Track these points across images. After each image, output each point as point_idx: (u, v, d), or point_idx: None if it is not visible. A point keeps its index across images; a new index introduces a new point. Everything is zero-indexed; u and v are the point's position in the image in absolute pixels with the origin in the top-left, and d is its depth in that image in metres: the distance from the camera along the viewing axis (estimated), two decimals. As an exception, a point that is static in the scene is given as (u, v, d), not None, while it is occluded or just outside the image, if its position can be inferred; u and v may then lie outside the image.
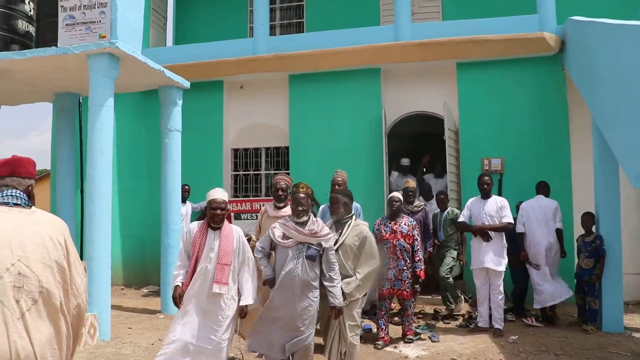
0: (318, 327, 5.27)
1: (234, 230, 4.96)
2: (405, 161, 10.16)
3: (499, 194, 8.92)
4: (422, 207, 8.06)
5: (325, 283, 4.92)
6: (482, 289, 7.38)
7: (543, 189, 8.12)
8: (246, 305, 4.95)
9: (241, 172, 10.85)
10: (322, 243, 4.91)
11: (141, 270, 10.76)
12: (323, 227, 5.01)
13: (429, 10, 11.25)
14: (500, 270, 7.26)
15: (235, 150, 10.97)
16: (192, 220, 8.25)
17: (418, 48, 9.60)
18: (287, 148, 10.51)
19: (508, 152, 9.45)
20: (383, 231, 6.69)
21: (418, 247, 6.69)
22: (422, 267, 6.71)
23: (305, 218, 4.96)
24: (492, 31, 9.49)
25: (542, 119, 9.42)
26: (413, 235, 6.69)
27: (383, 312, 6.77)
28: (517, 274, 8.26)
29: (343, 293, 5.00)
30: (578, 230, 8.01)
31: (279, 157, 10.75)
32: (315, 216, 5.45)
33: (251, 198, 10.53)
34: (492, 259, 7.23)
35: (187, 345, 4.66)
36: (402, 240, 6.62)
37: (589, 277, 7.41)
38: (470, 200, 7.63)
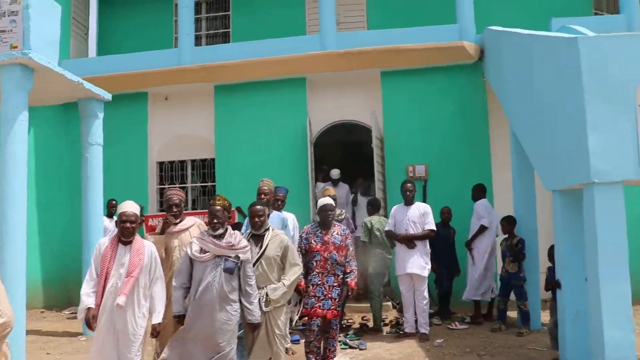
0: None
1: (145, 246, 4.82)
2: (335, 173, 10.02)
3: (424, 201, 9.05)
4: (344, 215, 7.96)
5: (242, 298, 4.85)
6: (407, 294, 7.46)
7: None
8: (159, 324, 4.82)
9: (167, 186, 10.59)
10: (240, 255, 4.84)
11: (63, 290, 10.30)
12: (240, 240, 4.95)
13: (354, 20, 11.35)
14: (424, 275, 7.37)
15: (161, 164, 10.73)
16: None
17: (343, 57, 9.68)
18: (213, 160, 10.35)
19: (432, 159, 9.65)
20: (313, 241, 5.88)
21: (350, 258, 6.00)
22: (354, 277, 5.97)
23: (221, 230, 4.88)
24: (414, 40, 9.66)
25: (464, 126, 9.67)
26: (347, 246, 5.95)
27: (314, 333, 5.80)
28: (441, 278, 8.42)
29: (268, 299, 5.04)
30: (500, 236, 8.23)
31: (205, 169, 10.58)
32: (239, 228, 5.41)
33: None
34: (416, 264, 7.33)
35: None
36: (334, 252, 5.81)
37: (515, 281, 7.59)
38: (394, 207, 7.72)
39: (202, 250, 4.82)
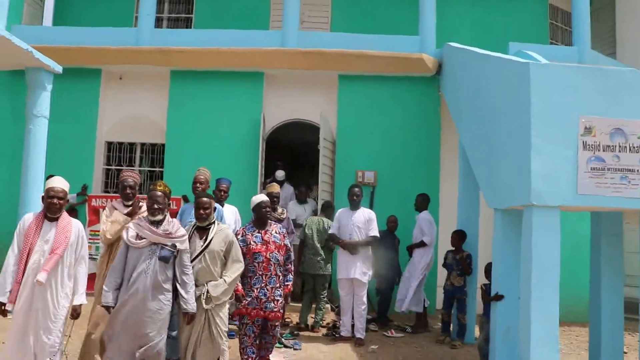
0: None
1: (72, 223, 4.72)
2: (279, 175, 10.00)
3: (370, 207, 9.15)
4: (285, 215, 7.81)
5: (178, 287, 4.79)
6: (346, 298, 7.52)
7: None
8: (80, 305, 4.73)
9: (114, 167, 10.37)
10: (177, 244, 4.79)
11: (-6, 264, 9.93)
12: (179, 228, 4.90)
13: (318, 20, 11.38)
14: (365, 281, 7.46)
15: (109, 144, 10.48)
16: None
17: (303, 56, 9.68)
18: (163, 145, 10.17)
19: (382, 166, 9.76)
20: (252, 242, 5.62)
21: (292, 258, 6.04)
22: (292, 279, 5.98)
23: (160, 217, 4.82)
24: (375, 47, 9.76)
25: (416, 137, 9.82)
26: (286, 245, 5.84)
27: (251, 338, 5.62)
28: (382, 285, 8.52)
29: (209, 296, 4.96)
30: (443, 247, 8.38)
31: (154, 154, 10.40)
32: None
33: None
34: (358, 270, 7.41)
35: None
36: (276, 252, 5.65)
37: (459, 295, 7.72)
38: (340, 210, 7.77)
39: (138, 237, 4.75)
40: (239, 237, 5.67)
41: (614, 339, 6.23)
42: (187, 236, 4.99)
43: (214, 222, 5.25)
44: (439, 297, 8.73)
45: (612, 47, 12.34)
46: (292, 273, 6.00)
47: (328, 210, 8.44)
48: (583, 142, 5.33)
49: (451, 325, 7.88)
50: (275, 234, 5.77)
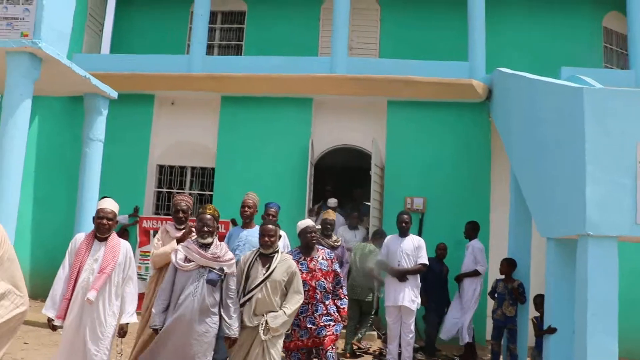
0: None
1: (121, 244, 4.82)
2: (332, 202, 9.87)
3: (419, 234, 9.04)
4: (340, 242, 7.72)
5: (222, 311, 4.81)
6: (393, 326, 7.39)
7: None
8: (127, 324, 4.80)
9: (164, 189, 10.59)
10: (225, 268, 4.82)
11: (50, 281, 10.09)
12: (227, 252, 4.94)
13: (367, 47, 11.43)
14: (413, 309, 7.32)
15: (161, 167, 10.72)
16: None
17: (352, 82, 9.72)
18: (213, 169, 10.35)
19: (431, 192, 9.65)
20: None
21: (343, 283, 5.78)
22: (346, 304, 5.75)
23: (209, 240, 4.88)
24: (424, 73, 9.72)
25: (465, 164, 9.69)
26: (334, 271, 5.65)
27: None
28: (430, 314, 8.34)
29: (268, 327, 4.82)
30: (492, 276, 8.19)
31: (204, 178, 10.57)
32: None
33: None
34: (406, 297, 7.27)
35: None
36: (322, 280, 5.50)
37: (512, 324, 7.46)
38: (389, 237, 7.69)
39: (186, 259, 4.81)
40: None
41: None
42: (234, 260, 5.02)
43: (277, 251, 5.13)
44: (487, 326, 8.48)
45: (670, 71, 11.92)
46: (346, 297, 5.77)
47: (379, 237, 8.33)
48: (642, 169, 5.15)
49: (501, 356, 7.64)
50: (322, 261, 5.59)
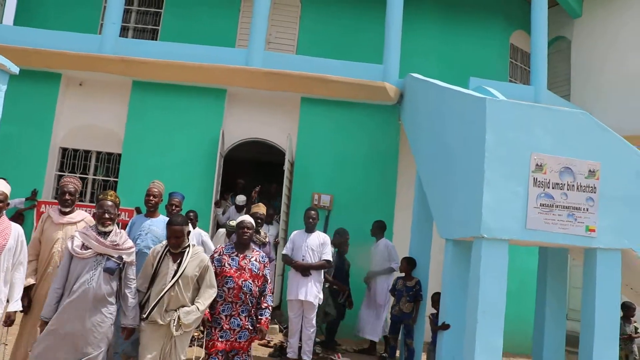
0: None
1: (12, 227, 4.59)
2: (240, 199, 9.66)
3: (325, 230, 9.15)
4: (268, 239, 7.62)
5: (121, 301, 4.70)
6: (295, 320, 7.45)
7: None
8: (14, 312, 4.59)
9: (67, 174, 10.12)
10: (124, 257, 4.70)
11: None
12: (126, 240, 4.81)
13: (285, 43, 11.47)
14: (316, 304, 7.42)
15: (64, 150, 10.25)
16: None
17: (266, 76, 9.70)
18: (119, 155, 10.01)
19: (338, 190, 9.80)
20: (227, 264, 5.27)
21: (268, 291, 5.42)
22: (268, 315, 5.39)
23: (111, 227, 4.73)
24: (339, 73, 9.86)
25: (374, 164, 9.92)
26: (264, 276, 5.39)
27: None
28: (332, 309, 8.47)
29: (180, 323, 4.70)
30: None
31: (110, 164, 10.21)
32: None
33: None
34: (310, 292, 7.36)
35: None
36: (249, 281, 5.25)
37: (408, 320, 7.72)
38: (294, 232, 7.75)
39: (83, 246, 4.64)
40: (216, 255, 5.40)
41: (554, 372, 6.37)
42: (134, 249, 4.90)
43: (188, 246, 4.95)
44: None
45: (567, 89, 12.79)
46: (269, 308, 5.40)
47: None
48: (534, 178, 5.50)
49: (397, 350, 7.91)
50: (254, 262, 5.36)
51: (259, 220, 7.16)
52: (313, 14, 11.59)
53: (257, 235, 7.05)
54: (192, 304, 4.83)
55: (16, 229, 4.68)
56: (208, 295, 4.90)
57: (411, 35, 10.97)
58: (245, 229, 5.42)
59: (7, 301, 4.62)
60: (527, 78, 12.14)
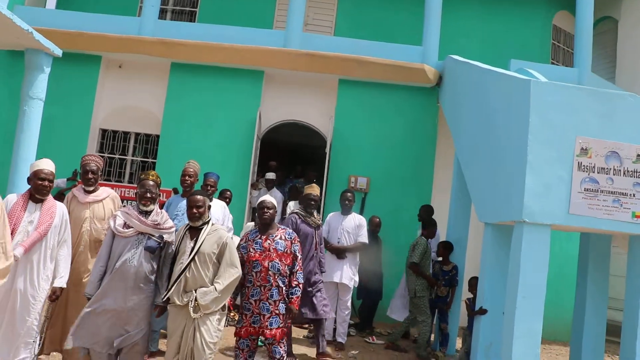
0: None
1: (57, 206, 4.70)
2: (269, 175, 9.58)
3: (361, 213, 9.14)
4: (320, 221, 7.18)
5: (158, 279, 4.76)
6: (330, 302, 7.48)
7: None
8: (60, 288, 4.69)
9: (106, 155, 10.30)
10: (164, 236, 4.75)
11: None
12: (167, 220, 4.88)
13: (322, 24, 11.39)
14: (351, 286, 7.43)
15: (104, 131, 10.41)
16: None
17: (304, 58, 9.66)
18: (157, 136, 10.13)
19: (375, 173, 9.75)
20: (251, 249, 5.09)
21: (298, 268, 5.21)
22: (299, 294, 5.19)
23: (152, 207, 4.80)
24: (377, 54, 9.76)
25: (411, 147, 9.82)
26: (293, 253, 5.18)
27: (245, 353, 5.12)
28: (368, 292, 8.44)
29: (197, 304, 4.52)
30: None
31: (148, 145, 10.33)
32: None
33: (113, 182, 10.04)
34: (345, 274, 7.38)
35: None
36: (277, 261, 5.05)
37: (443, 305, 7.68)
38: (330, 215, 7.75)
39: (125, 225, 4.71)
40: (242, 242, 5.25)
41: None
42: (174, 229, 4.95)
43: (207, 222, 4.82)
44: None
45: (611, 72, 12.42)
46: (300, 286, 5.21)
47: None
48: (578, 162, 5.35)
49: (432, 335, 7.87)
50: (279, 240, 5.15)
51: (312, 202, 6.75)
52: (351, -5, 11.46)
53: (312, 218, 6.68)
54: (212, 282, 4.65)
55: (61, 207, 4.81)
56: (229, 274, 4.65)
57: (451, 17, 10.80)
58: (265, 209, 5.22)
59: (54, 278, 4.74)
60: (570, 60, 11.81)
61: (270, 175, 9.58)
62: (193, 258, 4.61)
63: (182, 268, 4.62)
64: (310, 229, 6.58)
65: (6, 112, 9.93)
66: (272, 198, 5.44)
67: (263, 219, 5.23)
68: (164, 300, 4.68)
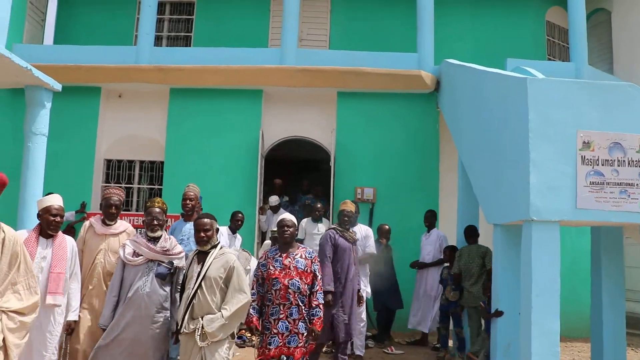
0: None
1: (67, 239, 4.74)
2: (273, 200, 9.36)
3: (370, 223, 9.13)
4: (357, 237, 6.98)
5: (171, 305, 4.76)
6: (345, 315, 7.43)
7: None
8: (74, 321, 4.72)
9: (113, 184, 10.35)
10: (174, 262, 4.76)
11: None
12: (176, 245, 4.89)
13: (317, 38, 11.46)
14: (363, 297, 7.38)
15: (108, 161, 10.48)
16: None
17: (301, 74, 9.71)
18: (162, 163, 10.18)
19: (381, 182, 9.75)
20: (271, 267, 5.00)
21: (318, 288, 5.10)
22: (320, 314, 5.04)
23: (159, 233, 4.83)
24: (373, 64, 9.81)
25: (415, 153, 9.83)
26: (312, 272, 5.08)
27: None
28: (385, 301, 8.38)
29: (204, 332, 4.31)
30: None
31: (154, 172, 10.39)
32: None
33: (121, 212, 10.06)
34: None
35: None
36: (297, 279, 4.95)
37: (454, 309, 7.63)
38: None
39: (135, 254, 4.73)
40: (261, 260, 5.15)
41: (616, 355, 6.19)
42: (183, 254, 4.96)
43: (216, 246, 4.61)
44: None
45: (609, 63, 12.42)
46: (320, 307, 5.07)
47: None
48: (582, 156, 5.34)
49: (450, 340, 7.82)
50: (299, 259, 5.05)
51: (346, 218, 6.68)
52: (343, 7, 11.54)
53: (349, 233, 6.59)
54: (219, 308, 4.41)
55: (70, 241, 4.85)
56: (237, 300, 4.38)
57: (443, 21, 10.83)
58: (285, 227, 5.11)
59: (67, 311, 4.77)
60: (566, 55, 11.82)
61: (274, 202, 9.36)
62: (200, 283, 4.42)
63: (189, 294, 4.44)
64: (348, 244, 6.52)
65: (11, 149, 9.99)
66: (292, 216, 5.35)
67: (284, 238, 5.13)
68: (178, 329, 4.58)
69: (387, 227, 8.43)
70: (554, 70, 9.57)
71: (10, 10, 7.35)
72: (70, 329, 4.79)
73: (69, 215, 9.46)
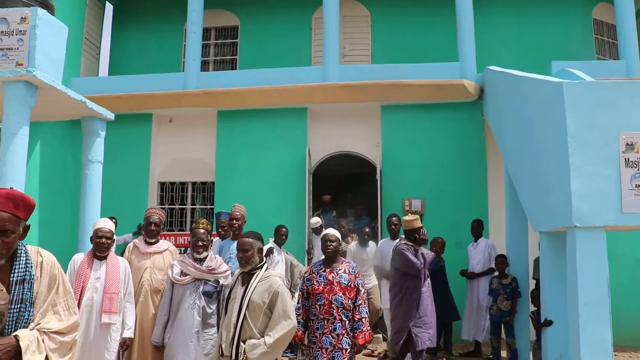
0: None
1: (119, 261, 4.98)
2: (314, 222, 9.02)
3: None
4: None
5: (218, 321, 4.91)
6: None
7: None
8: (130, 338, 4.93)
9: (167, 206, 10.73)
10: (220, 280, 4.93)
11: (58, 304, 10.35)
12: (221, 264, 5.06)
13: (359, 54, 11.55)
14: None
15: (162, 184, 10.87)
16: (117, 253, 8.04)
17: (344, 89, 9.82)
18: (213, 183, 10.48)
19: (429, 193, 9.70)
20: (315, 282, 5.01)
21: (361, 302, 5.05)
22: (365, 328, 5.00)
23: (205, 254, 5.00)
24: (416, 76, 9.79)
25: (462, 163, 9.73)
26: (356, 287, 5.03)
27: None
28: (441, 316, 8.23)
29: (246, 358, 4.04)
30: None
31: (205, 192, 10.71)
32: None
33: (175, 232, 10.41)
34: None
35: None
36: (340, 294, 4.92)
37: (507, 319, 7.51)
38: (381, 241, 7.77)
39: (182, 273, 4.93)
40: (306, 275, 5.17)
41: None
42: (230, 272, 5.12)
43: (261, 267, 4.32)
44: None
45: (663, 59, 11.94)
46: (363, 320, 5.00)
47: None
48: (625, 158, 5.22)
49: (502, 351, 7.68)
50: (342, 274, 5.01)
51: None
52: (383, 21, 11.60)
53: (421, 249, 6.38)
54: (262, 334, 4.14)
55: (123, 262, 5.11)
56: (281, 327, 4.10)
57: (485, 27, 10.72)
58: (328, 242, 5.10)
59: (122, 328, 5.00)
60: (617, 53, 11.46)
61: (314, 224, 9.00)
62: (243, 307, 4.17)
63: (232, 317, 4.21)
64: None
65: (72, 177, 10.53)
66: (335, 231, 5.33)
67: (327, 252, 5.13)
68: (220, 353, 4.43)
69: (441, 240, 8.21)
70: (602, 70, 9.34)
71: (65, 50, 7.78)
72: (126, 345, 5.00)
73: (127, 237, 9.83)
